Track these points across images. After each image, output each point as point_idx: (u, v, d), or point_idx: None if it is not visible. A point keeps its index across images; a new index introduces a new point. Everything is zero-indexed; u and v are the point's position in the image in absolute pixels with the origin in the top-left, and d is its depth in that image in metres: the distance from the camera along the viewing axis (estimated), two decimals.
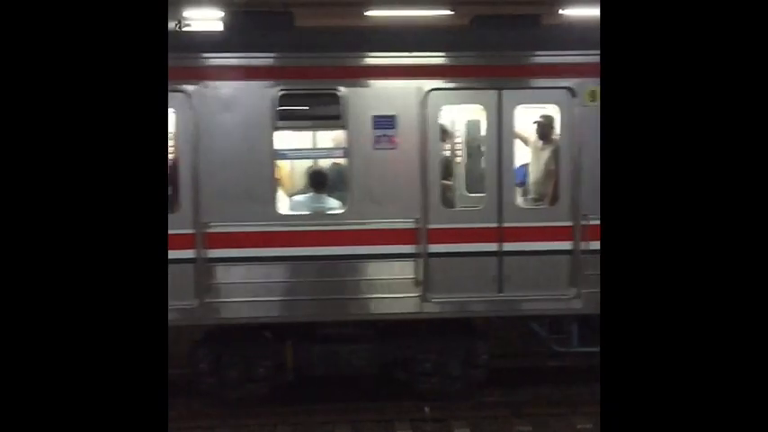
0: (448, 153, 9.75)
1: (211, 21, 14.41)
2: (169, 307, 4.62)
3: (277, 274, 8.70)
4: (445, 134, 9.56)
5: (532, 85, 8.89)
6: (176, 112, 8.36)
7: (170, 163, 8.31)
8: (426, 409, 9.31)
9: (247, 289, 8.65)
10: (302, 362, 9.06)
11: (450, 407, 9.34)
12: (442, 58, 8.81)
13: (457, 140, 10.42)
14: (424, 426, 9.15)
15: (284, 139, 8.84)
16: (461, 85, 8.86)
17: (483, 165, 9.13)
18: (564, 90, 8.75)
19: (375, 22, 15.48)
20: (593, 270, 8.78)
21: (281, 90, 8.57)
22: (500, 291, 8.91)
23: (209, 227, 8.54)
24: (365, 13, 15.35)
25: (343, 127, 8.76)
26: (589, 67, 8.75)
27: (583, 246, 8.82)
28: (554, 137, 9.17)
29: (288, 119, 8.62)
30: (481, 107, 8.95)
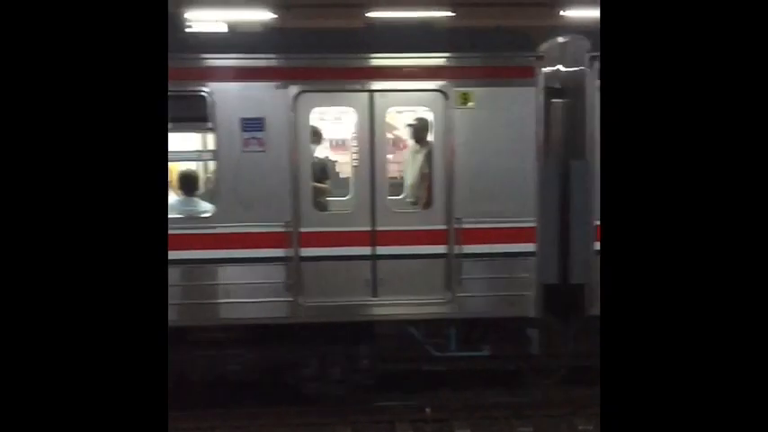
0: (322, 155, 9.60)
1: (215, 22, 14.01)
2: None
3: None
4: (318, 136, 9.42)
5: (404, 88, 8.80)
6: None
7: None
8: (427, 410, 9.34)
9: None
10: (176, 367, 8.75)
11: (451, 407, 9.38)
12: (313, 60, 8.67)
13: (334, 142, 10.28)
14: (424, 426, 9.14)
15: None
16: (332, 87, 8.74)
17: (356, 168, 9.03)
18: (436, 93, 8.70)
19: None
20: (468, 274, 8.88)
21: None
22: (374, 294, 8.81)
23: None
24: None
25: (211, 129, 8.55)
26: (462, 70, 8.77)
27: (457, 250, 8.79)
28: (429, 140, 9.13)
29: None
30: (352, 110, 8.84)
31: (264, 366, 9.17)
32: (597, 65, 8.69)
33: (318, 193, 9.15)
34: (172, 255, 8.09)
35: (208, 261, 8.60)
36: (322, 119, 9.99)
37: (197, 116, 8.48)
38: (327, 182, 9.54)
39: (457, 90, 8.68)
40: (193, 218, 8.80)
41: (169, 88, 3.96)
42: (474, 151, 8.75)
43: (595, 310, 8.87)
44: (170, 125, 8.32)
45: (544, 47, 9.26)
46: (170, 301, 8.00)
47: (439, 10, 15.12)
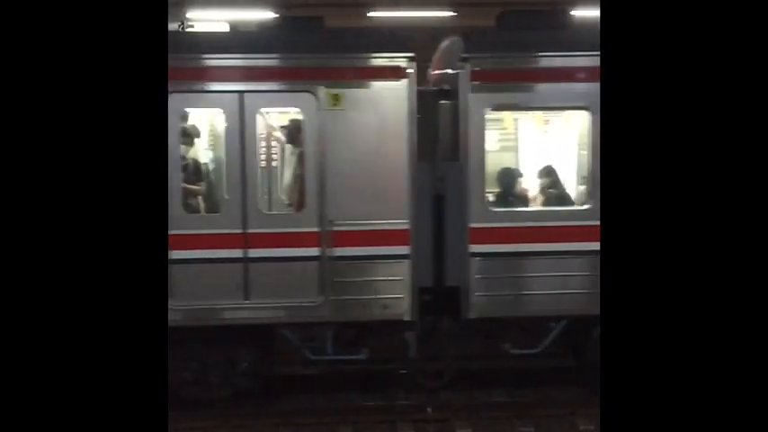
0: (196, 156, 9.39)
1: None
2: None
3: None
4: (190, 137, 9.21)
5: (273, 89, 8.67)
6: None
7: None
8: (428, 410, 9.23)
9: None
10: None
11: (452, 407, 9.33)
12: (181, 61, 8.42)
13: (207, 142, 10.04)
14: (426, 426, 9.04)
15: None
16: (200, 88, 8.57)
17: (225, 170, 8.84)
18: (305, 94, 8.58)
19: None
20: (341, 277, 8.79)
21: None
22: (246, 298, 8.66)
23: None
24: None
25: None
26: (331, 70, 8.68)
27: (330, 252, 8.69)
28: (302, 141, 9.01)
29: None
30: (221, 111, 8.67)
31: None
32: (469, 66, 8.70)
33: (189, 195, 8.94)
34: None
35: None
36: (201, 119, 9.79)
37: None
38: (201, 183, 9.34)
39: (327, 91, 8.58)
40: None
41: None
42: (346, 153, 8.67)
43: (473, 312, 8.90)
44: None
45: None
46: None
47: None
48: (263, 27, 8.99)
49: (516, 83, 8.87)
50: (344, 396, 9.84)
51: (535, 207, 9.46)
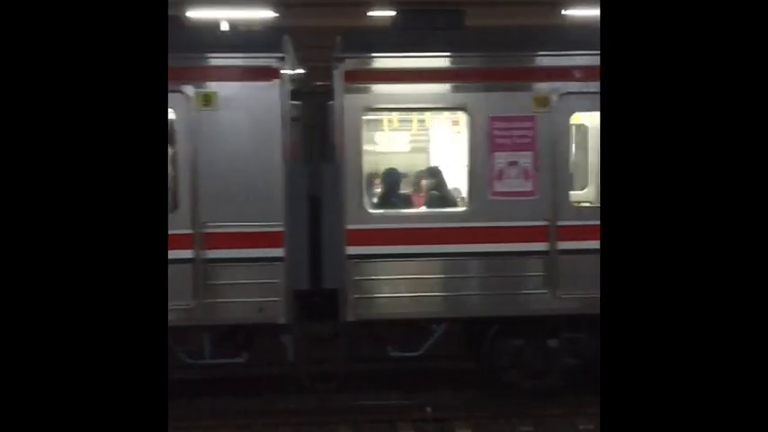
0: None
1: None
2: None
3: None
4: None
5: None
6: None
7: None
8: (428, 409, 9.24)
9: None
10: None
11: (452, 407, 9.36)
12: None
13: None
14: (425, 426, 9.04)
15: None
16: None
17: None
18: (177, 94, 8.38)
19: None
20: (215, 280, 8.64)
21: None
22: None
23: None
24: None
25: None
26: (203, 70, 8.54)
27: (203, 254, 8.54)
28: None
29: None
30: None
31: None
32: (344, 66, 8.62)
33: None
34: None
35: None
36: None
37: None
38: None
39: (198, 91, 8.44)
40: None
41: None
42: (219, 154, 8.53)
43: (351, 315, 8.82)
44: None
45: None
46: None
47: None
48: None
49: (390, 83, 8.80)
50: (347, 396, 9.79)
51: (415, 209, 9.42)
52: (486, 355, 9.43)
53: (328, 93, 9.02)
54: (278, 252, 8.65)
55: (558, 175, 8.90)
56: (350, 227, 8.78)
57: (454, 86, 8.88)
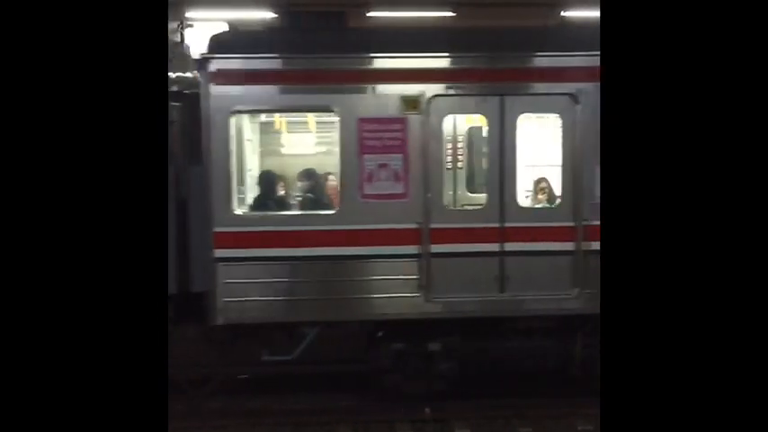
0: None
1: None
2: None
3: None
4: None
5: None
6: None
7: None
8: (427, 410, 9.22)
9: None
10: None
11: (452, 408, 9.31)
12: None
13: None
14: (425, 427, 9.03)
15: None
16: None
17: None
18: None
19: None
20: None
21: None
22: None
23: None
24: None
25: None
26: None
27: None
28: None
29: None
30: None
31: None
32: (211, 67, 8.50)
33: None
34: None
35: None
36: None
37: None
38: None
39: None
40: None
41: None
42: None
43: (220, 318, 8.69)
44: None
45: None
46: None
47: None
48: None
49: (258, 84, 8.70)
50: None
51: (286, 211, 9.33)
52: (367, 358, 9.39)
53: (196, 95, 8.88)
54: None
55: (430, 177, 8.87)
56: (218, 229, 8.65)
57: (322, 88, 8.81)
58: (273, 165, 10.14)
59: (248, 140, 9.72)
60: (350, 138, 8.78)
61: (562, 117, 9.05)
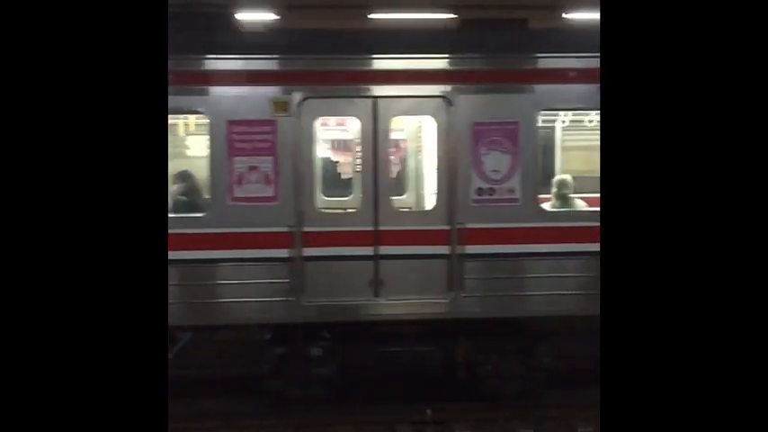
0: None
1: None
2: None
3: None
4: None
5: None
6: None
7: None
8: (428, 411, 9.17)
9: None
10: None
11: (453, 409, 9.33)
12: None
13: None
14: (425, 428, 9.05)
15: None
16: None
17: None
18: None
19: None
20: None
21: None
22: None
23: None
24: None
25: None
26: None
27: None
28: None
29: None
30: None
31: None
32: None
33: None
34: None
35: None
36: None
37: None
38: None
39: None
40: None
41: None
42: None
43: None
44: None
45: None
46: None
47: None
48: None
49: None
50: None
51: None
52: (248, 362, 9.29)
53: None
54: None
55: (302, 180, 8.78)
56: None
57: (191, 89, 8.69)
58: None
59: None
60: (219, 140, 8.67)
61: (436, 119, 9.00)
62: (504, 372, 9.45)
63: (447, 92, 8.89)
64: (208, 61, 8.77)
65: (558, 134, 11.65)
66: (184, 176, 9.47)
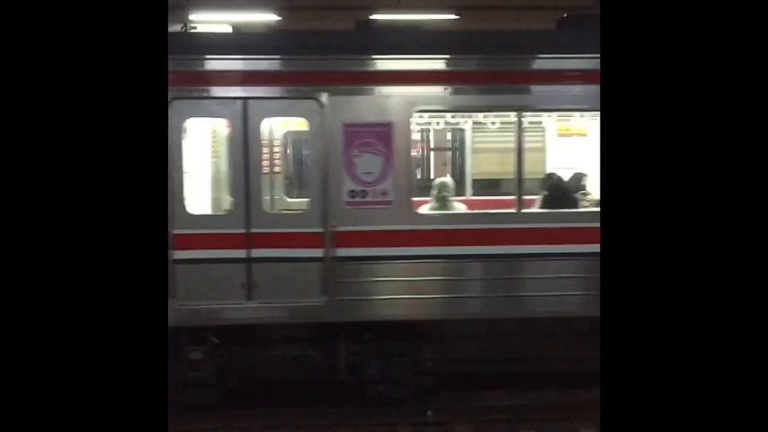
0: None
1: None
2: None
3: None
4: None
5: None
6: None
7: None
8: (429, 413, 9.22)
9: None
10: None
11: (453, 410, 9.35)
12: None
13: None
14: (425, 429, 9.06)
15: None
16: None
17: None
18: None
19: None
20: None
21: None
22: None
23: None
24: None
25: None
26: None
27: None
28: None
29: None
30: None
31: None
32: None
33: None
34: None
35: None
36: None
37: None
38: None
39: None
40: None
41: None
42: None
43: None
44: None
45: None
46: None
47: None
48: None
49: None
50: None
51: None
52: None
53: None
54: None
55: (172, 184, 8.65)
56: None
57: None
58: None
59: None
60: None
61: (309, 121, 8.92)
62: (389, 375, 9.36)
63: (317, 94, 8.80)
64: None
65: (469, 136, 11.59)
66: None
